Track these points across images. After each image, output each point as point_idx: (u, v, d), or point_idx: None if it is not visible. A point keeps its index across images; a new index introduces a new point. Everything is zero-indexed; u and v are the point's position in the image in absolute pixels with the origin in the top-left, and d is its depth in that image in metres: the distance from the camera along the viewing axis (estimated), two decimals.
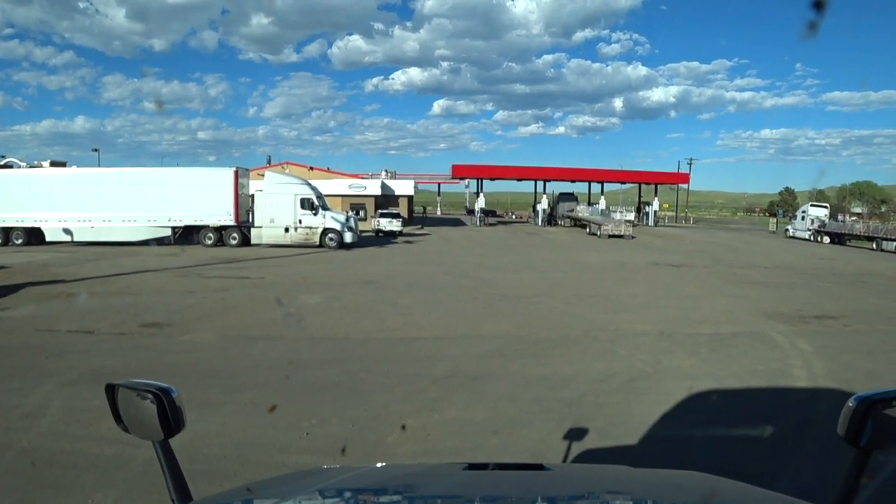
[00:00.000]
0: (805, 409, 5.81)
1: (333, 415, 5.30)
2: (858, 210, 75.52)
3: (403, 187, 44.72)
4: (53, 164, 35.33)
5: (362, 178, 46.35)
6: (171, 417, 1.30)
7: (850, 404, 1.22)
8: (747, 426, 5.32)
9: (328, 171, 47.01)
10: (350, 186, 40.77)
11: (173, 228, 24.15)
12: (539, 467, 1.47)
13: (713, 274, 17.79)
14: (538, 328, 9.36)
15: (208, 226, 24.27)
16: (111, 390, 1.40)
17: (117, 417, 1.40)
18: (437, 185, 71.02)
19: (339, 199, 36.96)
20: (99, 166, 35.91)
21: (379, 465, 1.62)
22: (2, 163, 34.52)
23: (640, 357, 7.58)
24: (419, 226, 42.00)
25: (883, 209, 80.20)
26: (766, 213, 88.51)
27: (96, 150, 59.00)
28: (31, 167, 32.51)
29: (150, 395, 1.32)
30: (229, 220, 24.21)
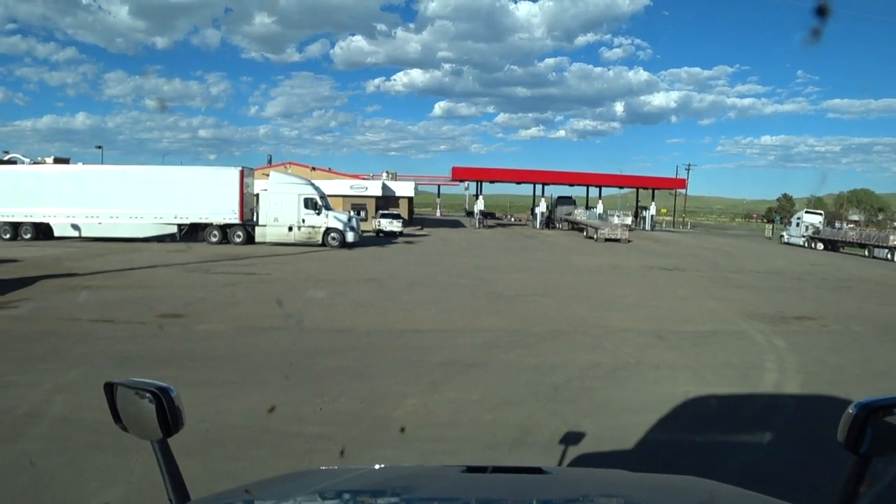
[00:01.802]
0: (771, 397, 6.36)
1: (343, 394, 5.86)
2: (856, 217, 76.18)
3: (404, 188, 45.47)
4: (57, 160, 35.88)
5: (363, 178, 47.05)
6: (169, 417, 1.29)
7: (851, 411, 1.19)
8: (716, 410, 5.88)
9: (330, 171, 47.78)
10: (351, 187, 41.51)
11: (179, 226, 24.65)
12: (537, 471, 1.47)
13: (704, 277, 18.33)
14: (532, 324, 9.91)
15: (213, 224, 24.78)
16: (110, 389, 1.39)
17: (116, 416, 1.39)
18: (436, 186, 71.68)
19: (341, 199, 37.62)
20: (102, 163, 36.43)
21: (377, 466, 1.64)
22: (5, 158, 35.12)
23: (625, 350, 8.13)
24: (419, 227, 42.57)
25: (880, 217, 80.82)
26: (764, 220, 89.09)
27: (100, 147, 59.64)
28: (34, 163, 33.09)
29: (148, 395, 1.31)
30: (234, 218, 24.74)
